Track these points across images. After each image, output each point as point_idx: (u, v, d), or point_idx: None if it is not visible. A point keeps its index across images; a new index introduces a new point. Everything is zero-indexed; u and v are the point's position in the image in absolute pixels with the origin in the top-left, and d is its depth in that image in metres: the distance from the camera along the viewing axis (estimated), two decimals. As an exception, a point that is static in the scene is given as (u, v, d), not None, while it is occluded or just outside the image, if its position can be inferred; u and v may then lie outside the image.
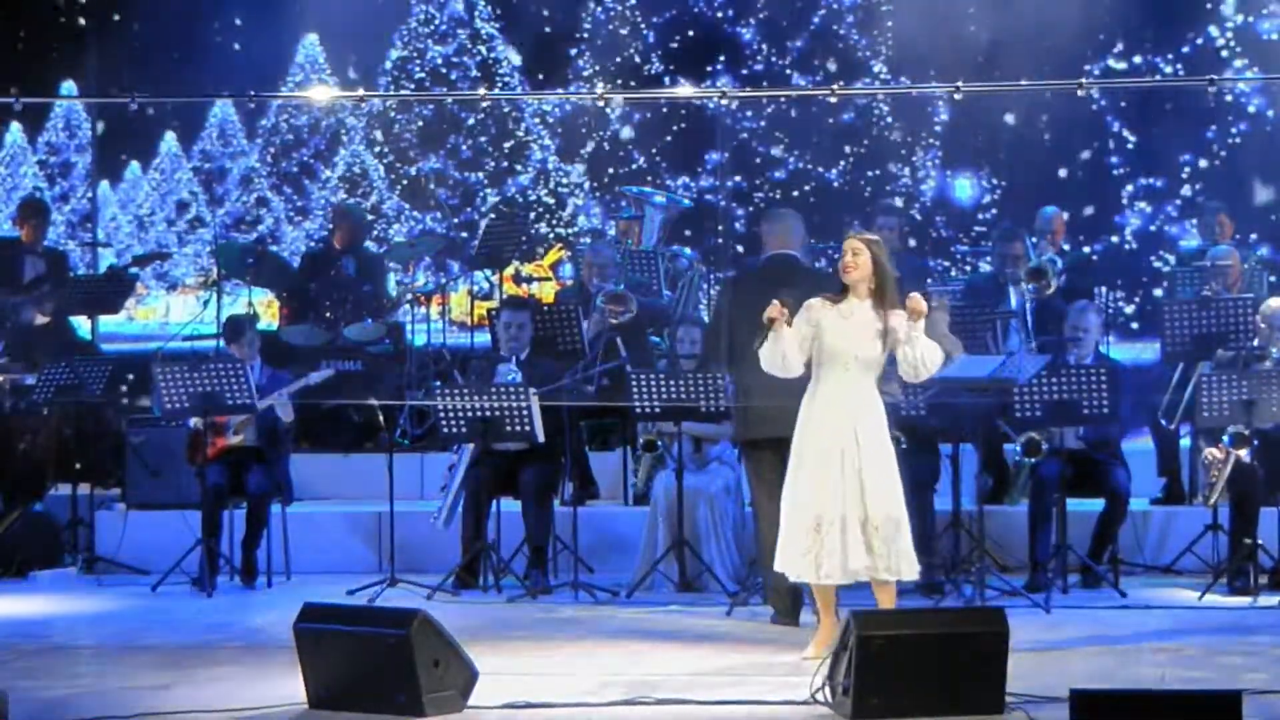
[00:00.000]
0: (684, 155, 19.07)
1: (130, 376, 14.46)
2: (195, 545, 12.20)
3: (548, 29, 19.59)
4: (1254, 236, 16.37)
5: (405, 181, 20.39)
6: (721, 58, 18.91)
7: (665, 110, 18.87)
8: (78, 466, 13.56)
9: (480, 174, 20.19)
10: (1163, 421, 12.49)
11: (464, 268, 17.87)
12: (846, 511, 9.23)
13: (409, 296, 15.93)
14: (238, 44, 20.09)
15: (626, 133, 19.40)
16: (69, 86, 20.38)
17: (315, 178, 20.88)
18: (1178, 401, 12.23)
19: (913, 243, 16.74)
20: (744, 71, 18.77)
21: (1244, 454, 11.34)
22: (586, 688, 8.70)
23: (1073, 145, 18.05)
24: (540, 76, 19.75)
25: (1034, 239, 14.10)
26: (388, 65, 20.41)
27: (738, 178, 18.56)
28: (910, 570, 9.36)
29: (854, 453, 9.26)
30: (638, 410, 11.96)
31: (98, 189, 20.73)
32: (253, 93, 15.78)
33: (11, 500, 13.43)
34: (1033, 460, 11.73)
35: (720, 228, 18.37)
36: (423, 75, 20.36)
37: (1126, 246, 17.95)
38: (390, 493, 12.30)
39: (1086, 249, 16.91)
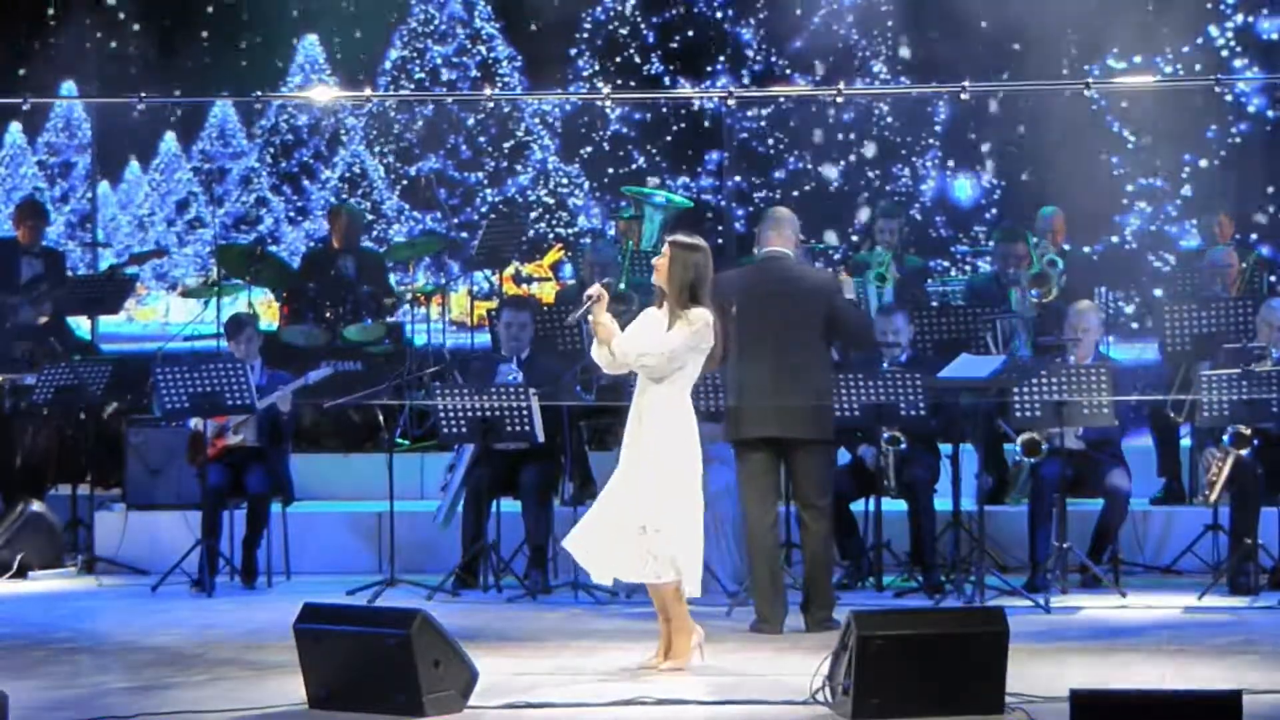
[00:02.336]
0: (684, 155, 19.07)
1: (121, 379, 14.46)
2: (195, 545, 12.21)
3: (548, 29, 19.60)
4: (1254, 236, 16.37)
5: (405, 181, 20.39)
6: (721, 58, 18.91)
7: (665, 110, 18.87)
8: (78, 467, 13.56)
9: (480, 174, 20.19)
10: (1169, 413, 12.46)
11: (464, 268, 17.87)
12: (629, 513, 9.22)
13: (409, 296, 15.93)
14: (238, 44, 20.10)
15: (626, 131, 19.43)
16: (69, 87, 20.38)
17: (315, 178, 20.88)
18: (1180, 403, 12.24)
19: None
20: (744, 71, 18.77)
21: (1244, 454, 11.34)
22: (586, 688, 8.70)
23: (1073, 145, 18.05)
24: (543, 77, 19.76)
25: (1035, 239, 14.10)
26: (388, 65, 20.41)
27: (737, 178, 18.56)
28: (665, 573, 9.17)
29: (637, 455, 9.25)
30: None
31: (98, 189, 20.73)
32: (258, 94, 15.79)
33: (11, 500, 13.43)
34: (1033, 460, 11.73)
35: (720, 228, 18.37)
36: (423, 75, 20.36)
37: (1126, 246, 17.95)
38: (390, 493, 12.30)
39: (1086, 249, 16.91)
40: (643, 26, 19.37)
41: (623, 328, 13.42)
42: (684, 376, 9.27)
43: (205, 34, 20.22)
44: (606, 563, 9.31)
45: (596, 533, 9.28)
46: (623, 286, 13.94)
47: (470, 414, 11.79)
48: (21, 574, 12.93)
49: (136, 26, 20.28)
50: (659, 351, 9.19)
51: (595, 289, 9.34)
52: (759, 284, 10.36)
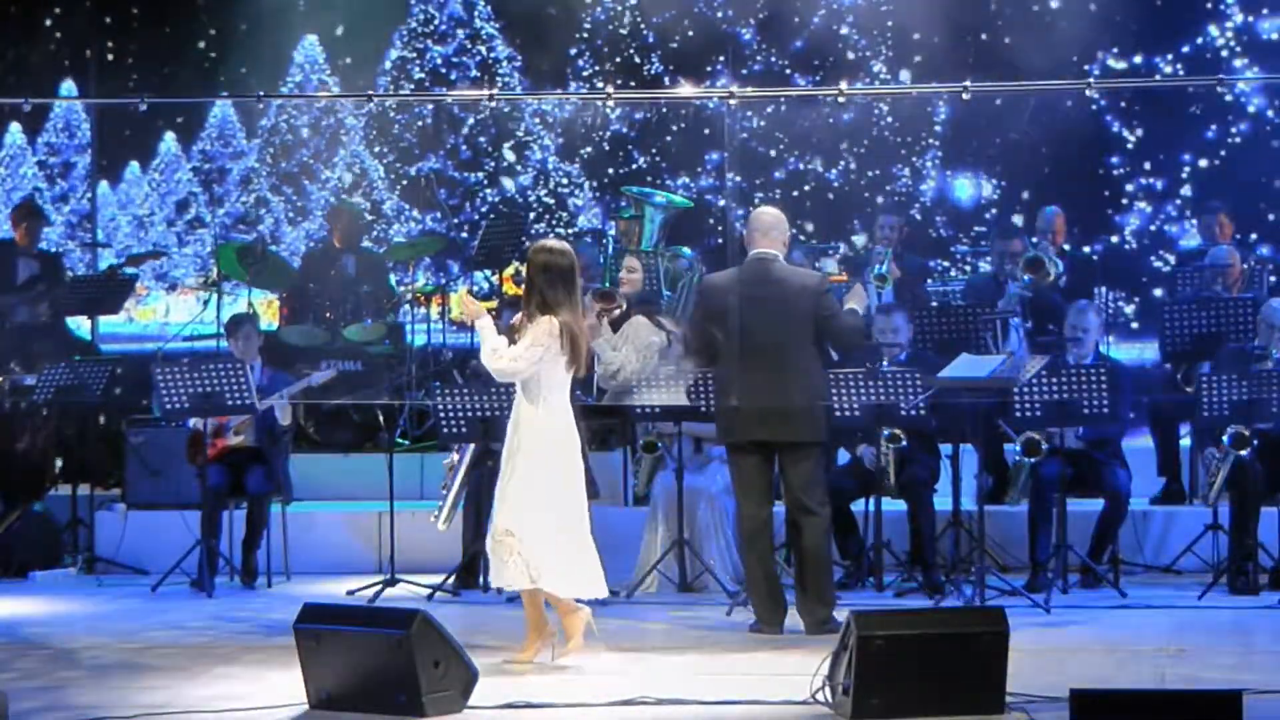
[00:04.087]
0: (684, 155, 19.07)
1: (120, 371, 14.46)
2: (195, 545, 12.21)
3: (547, 29, 19.60)
4: (1254, 236, 16.37)
5: (405, 181, 20.39)
6: (721, 58, 18.91)
7: (665, 110, 18.87)
8: (78, 467, 13.56)
9: (480, 174, 20.19)
10: (1179, 381, 12.43)
11: (464, 268, 17.87)
12: (502, 519, 9.35)
13: (409, 296, 15.93)
14: (237, 44, 20.09)
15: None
16: (69, 87, 20.38)
17: (315, 178, 20.88)
18: (1189, 378, 12.24)
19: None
20: (744, 71, 18.77)
21: (1244, 454, 11.34)
22: (586, 688, 8.70)
23: (1073, 145, 18.04)
24: (542, 67, 19.75)
25: (1034, 239, 14.10)
26: (388, 65, 20.41)
27: (738, 178, 18.56)
28: (550, 583, 9.34)
29: (514, 462, 9.38)
30: (638, 410, 11.96)
31: (97, 189, 20.73)
32: (260, 93, 15.78)
33: (11, 500, 13.43)
34: (1033, 460, 11.72)
35: (720, 228, 18.36)
36: (422, 75, 20.35)
37: (1126, 246, 17.95)
38: (390, 493, 12.30)
39: (1086, 249, 16.91)
40: (643, 26, 19.37)
41: (614, 326, 13.53)
42: (546, 385, 9.36)
43: (204, 33, 20.23)
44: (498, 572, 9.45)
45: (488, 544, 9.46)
46: (607, 284, 13.97)
47: (470, 414, 11.79)
48: (21, 574, 12.94)
49: (136, 26, 20.27)
50: (492, 365, 9.35)
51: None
52: (747, 286, 10.34)
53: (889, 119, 18.70)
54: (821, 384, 10.67)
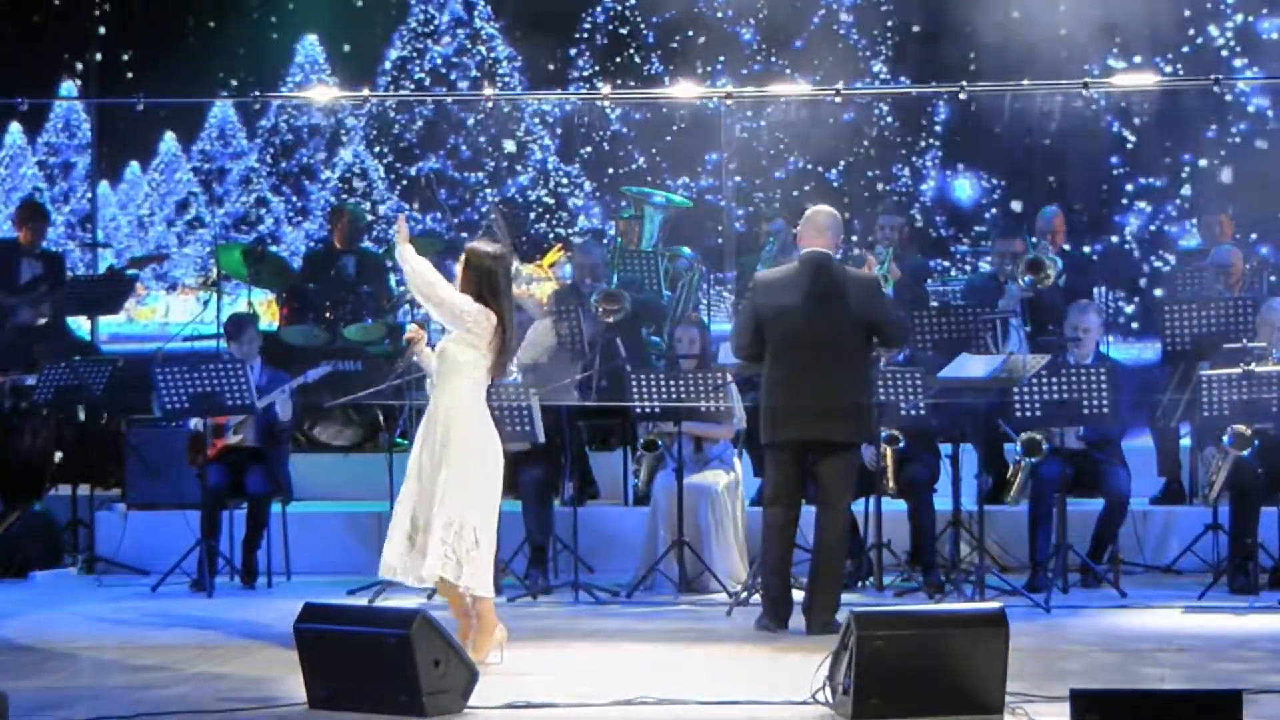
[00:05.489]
0: (684, 155, 19.07)
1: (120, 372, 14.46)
2: (195, 545, 12.21)
3: (547, 29, 19.61)
4: (1254, 236, 16.37)
5: (405, 181, 20.40)
6: (721, 58, 18.91)
7: (665, 110, 18.87)
8: (78, 467, 13.57)
9: (480, 174, 20.19)
10: (1160, 415, 12.46)
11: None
12: (421, 513, 9.42)
13: (409, 296, 15.92)
14: (238, 44, 20.10)
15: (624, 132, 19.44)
16: (69, 87, 20.38)
17: (315, 178, 20.88)
18: (1177, 402, 12.22)
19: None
20: (744, 71, 18.77)
21: (1244, 454, 11.34)
22: (586, 688, 8.70)
23: (1073, 145, 18.04)
24: (544, 71, 19.76)
25: (1034, 239, 14.10)
26: (388, 65, 20.42)
27: (738, 178, 18.56)
28: (464, 577, 9.34)
29: (434, 454, 9.47)
30: (638, 410, 11.96)
31: (97, 189, 20.73)
32: (257, 93, 15.80)
33: (11, 500, 13.43)
34: (1033, 460, 11.73)
35: (720, 228, 18.36)
36: (423, 75, 20.36)
37: (1126, 246, 17.95)
38: (390, 493, 12.28)
39: (1086, 249, 16.91)
40: (643, 26, 19.38)
41: (621, 327, 13.55)
42: (469, 378, 9.45)
43: (204, 33, 20.22)
44: (411, 567, 9.45)
45: (400, 539, 9.45)
46: (614, 285, 13.97)
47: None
48: (21, 574, 12.94)
49: (135, 26, 20.27)
50: (421, 275, 9.41)
51: (414, 331, 9.82)
52: (800, 285, 10.32)
53: (889, 119, 18.71)
54: (870, 383, 10.65)
